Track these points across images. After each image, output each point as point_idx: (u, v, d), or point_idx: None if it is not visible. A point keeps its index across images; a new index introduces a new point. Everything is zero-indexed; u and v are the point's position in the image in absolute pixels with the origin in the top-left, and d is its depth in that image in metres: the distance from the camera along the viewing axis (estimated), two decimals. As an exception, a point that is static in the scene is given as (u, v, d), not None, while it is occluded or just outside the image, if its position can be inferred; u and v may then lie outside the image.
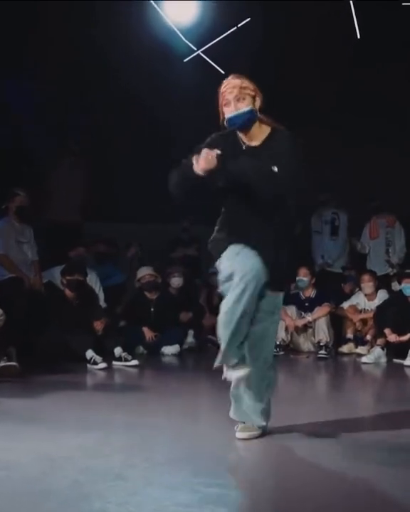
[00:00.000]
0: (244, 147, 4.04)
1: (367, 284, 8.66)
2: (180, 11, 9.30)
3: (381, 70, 10.47)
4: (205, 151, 3.80)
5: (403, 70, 10.46)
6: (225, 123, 4.02)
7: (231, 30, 9.20)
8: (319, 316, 8.47)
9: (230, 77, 4.04)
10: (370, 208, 10.12)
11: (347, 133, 10.91)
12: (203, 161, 3.79)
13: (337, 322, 8.87)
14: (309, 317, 8.49)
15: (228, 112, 3.99)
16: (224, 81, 4.05)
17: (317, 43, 10.48)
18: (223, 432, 4.26)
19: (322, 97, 10.63)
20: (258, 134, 4.05)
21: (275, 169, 3.86)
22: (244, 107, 3.97)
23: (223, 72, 9.70)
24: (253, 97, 4.00)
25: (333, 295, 9.11)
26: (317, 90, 10.65)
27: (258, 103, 4.02)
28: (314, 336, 8.45)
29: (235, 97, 3.96)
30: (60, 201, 9.59)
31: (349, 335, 8.56)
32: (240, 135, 4.06)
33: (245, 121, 3.98)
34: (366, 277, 8.73)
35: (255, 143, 4.05)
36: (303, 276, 8.56)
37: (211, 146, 3.92)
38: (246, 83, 4.00)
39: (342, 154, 10.93)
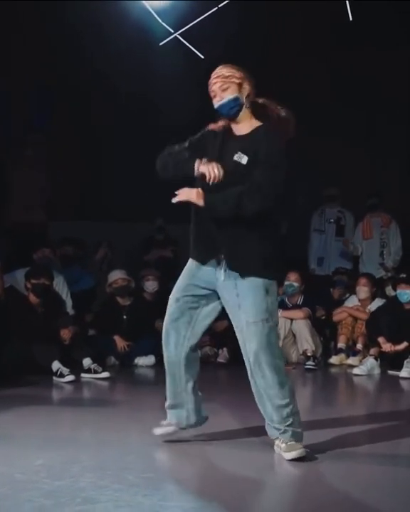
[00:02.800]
0: (232, 137, 4.29)
1: (362, 288, 8.66)
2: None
3: (379, 57, 10.58)
4: (212, 168, 4.08)
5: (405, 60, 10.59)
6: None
7: (211, 11, 9.24)
8: (291, 317, 8.46)
9: (217, 68, 4.30)
10: (366, 205, 10.15)
11: (343, 130, 11.00)
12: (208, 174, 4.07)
13: (330, 330, 8.93)
14: (279, 313, 8.46)
15: (215, 102, 4.28)
16: (212, 73, 4.31)
17: (302, 25, 10.57)
18: (199, 450, 4.29)
19: (310, 83, 10.71)
20: (247, 124, 4.30)
21: (243, 160, 4.15)
22: (228, 95, 4.23)
23: (201, 56, 9.76)
24: (239, 84, 4.25)
25: (322, 300, 9.16)
26: (305, 76, 10.74)
27: (245, 90, 4.27)
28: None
29: (219, 87, 4.25)
30: (21, 198, 9.58)
31: (341, 344, 8.59)
32: (232, 126, 4.32)
33: (231, 109, 4.24)
34: (362, 281, 8.72)
35: (242, 132, 4.30)
36: (294, 281, 8.58)
37: (200, 141, 4.31)
38: (231, 71, 4.26)
39: (341, 148, 11.01)
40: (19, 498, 3.42)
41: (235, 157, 4.19)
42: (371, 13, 9.78)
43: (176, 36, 9.56)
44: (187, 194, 4.21)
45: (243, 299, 4.23)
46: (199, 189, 4.17)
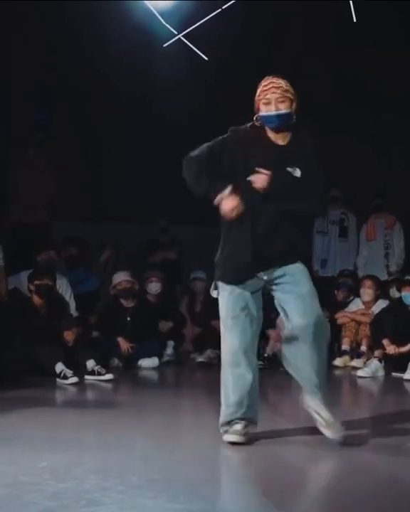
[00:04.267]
0: (273, 146, 4.50)
1: (367, 291, 8.65)
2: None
3: (382, 57, 10.58)
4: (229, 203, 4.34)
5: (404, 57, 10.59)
6: (258, 119, 4.51)
7: (215, 12, 9.25)
8: None
9: (272, 77, 4.52)
10: (371, 206, 10.14)
11: (346, 129, 11.00)
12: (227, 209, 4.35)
13: (333, 332, 8.92)
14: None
15: (267, 109, 4.47)
16: (266, 78, 4.52)
17: (305, 25, 10.58)
18: (204, 452, 4.30)
19: (313, 83, 10.71)
20: (285, 136, 4.55)
21: (296, 173, 4.42)
22: (284, 109, 4.47)
23: (205, 57, 9.77)
24: (292, 101, 4.51)
25: (326, 302, 9.14)
26: (308, 76, 10.74)
27: (295, 108, 4.54)
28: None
29: (277, 98, 4.46)
30: (25, 198, 9.59)
31: (345, 346, 8.58)
32: (270, 134, 4.52)
33: (283, 122, 4.48)
34: (367, 283, 8.71)
35: (281, 142, 4.54)
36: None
37: (226, 144, 4.48)
38: (289, 86, 4.50)
39: (347, 148, 11.01)
40: (23, 500, 3.43)
41: (289, 169, 4.42)
42: (374, 13, 9.79)
43: (179, 38, 9.56)
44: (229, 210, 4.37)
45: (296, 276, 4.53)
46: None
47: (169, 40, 9.67)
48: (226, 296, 4.56)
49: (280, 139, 4.54)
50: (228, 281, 4.54)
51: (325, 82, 10.87)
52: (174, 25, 9.49)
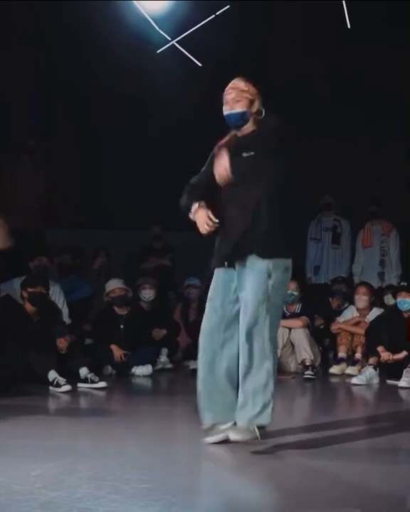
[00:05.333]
0: (234, 141, 4.69)
1: (362, 297, 8.66)
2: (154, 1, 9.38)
3: (381, 61, 10.62)
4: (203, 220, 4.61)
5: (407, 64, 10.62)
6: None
7: (208, 18, 9.29)
8: (290, 326, 8.48)
9: (236, 79, 4.76)
10: (367, 212, 10.15)
11: (342, 130, 11.03)
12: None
13: (329, 339, 8.94)
14: None
15: (225, 110, 4.74)
16: (231, 82, 4.75)
17: (302, 32, 10.62)
18: (198, 461, 4.30)
19: (309, 89, 10.76)
20: (248, 132, 4.72)
21: (250, 154, 4.58)
22: (238, 108, 4.69)
23: (199, 63, 9.81)
24: (251, 101, 4.70)
25: (321, 309, 9.17)
26: (304, 82, 10.79)
27: (255, 107, 4.71)
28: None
29: (233, 98, 4.70)
30: (17, 205, 9.58)
31: (342, 354, 8.59)
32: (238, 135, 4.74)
33: (237, 121, 4.71)
34: (362, 289, 8.73)
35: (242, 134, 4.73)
36: (293, 290, 8.60)
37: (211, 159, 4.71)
38: (247, 86, 4.71)
39: (342, 154, 11.03)
40: (15, 509, 3.43)
41: (244, 155, 4.60)
42: (371, 14, 9.86)
43: (173, 44, 9.59)
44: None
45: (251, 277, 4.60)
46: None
47: (163, 46, 9.71)
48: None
49: (244, 132, 4.73)
50: (212, 265, 4.78)
51: (320, 88, 10.91)
52: (168, 31, 9.53)
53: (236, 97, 4.69)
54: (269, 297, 4.51)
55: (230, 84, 4.75)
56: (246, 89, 4.70)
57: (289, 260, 4.72)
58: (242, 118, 4.69)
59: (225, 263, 4.67)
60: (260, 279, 4.53)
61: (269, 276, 4.54)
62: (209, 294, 4.75)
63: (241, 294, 4.61)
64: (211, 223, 4.59)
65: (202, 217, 4.63)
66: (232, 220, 4.64)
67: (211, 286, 4.75)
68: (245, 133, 4.74)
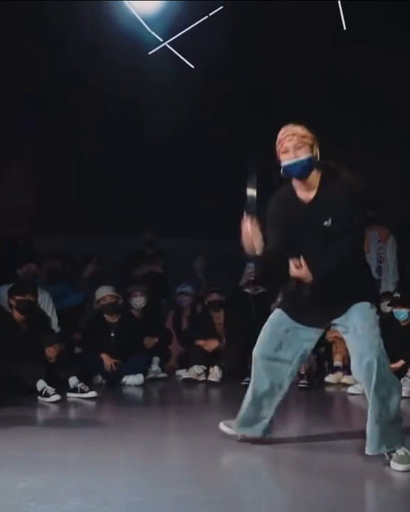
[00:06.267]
0: (301, 206, 4.60)
1: (358, 305, 8.69)
2: (146, 1, 9.40)
3: (376, 61, 10.64)
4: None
5: (402, 65, 10.65)
6: (281, 171, 4.60)
7: (201, 20, 9.32)
8: None
9: (289, 125, 4.60)
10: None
11: (337, 132, 11.03)
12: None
13: (324, 348, 8.94)
14: None
15: (286, 159, 4.57)
16: (283, 128, 4.60)
17: (295, 33, 10.65)
18: (189, 473, 4.30)
19: (304, 93, 10.79)
20: (313, 181, 4.60)
21: (327, 223, 4.47)
22: (303, 155, 4.54)
23: (191, 65, 9.83)
24: (312, 146, 4.56)
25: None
26: (298, 82, 10.81)
27: (316, 152, 4.58)
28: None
29: (294, 145, 4.55)
30: (5, 210, 9.59)
31: (338, 363, 8.59)
32: (296, 185, 4.61)
33: (303, 170, 4.56)
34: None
35: (310, 195, 4.59)
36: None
37: (273, 216, 4.67)
38: (305, 132, 4.58)
39: (337, 157, 11.05)
40: (3, 522, 3.43)
41: (325, 224, 4.48)
42: (366, 15, 9.90)
43: (165, 45, 9.62)
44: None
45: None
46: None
47: (155, 48, 9.74)
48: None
49: (309, 189, 4.60)
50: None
51: (314, 90, 10.94)
52: (161, 32, 9.55)
53: (297, 144, 4.55)
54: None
55: (287, 131, 4.60)
56: (305, 134, 4.59)
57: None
58: (308, 166, 4.55)
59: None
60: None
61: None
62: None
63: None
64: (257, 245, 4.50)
65: (250, 234, 4.52)
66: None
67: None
68: (311, 187, 4.60)
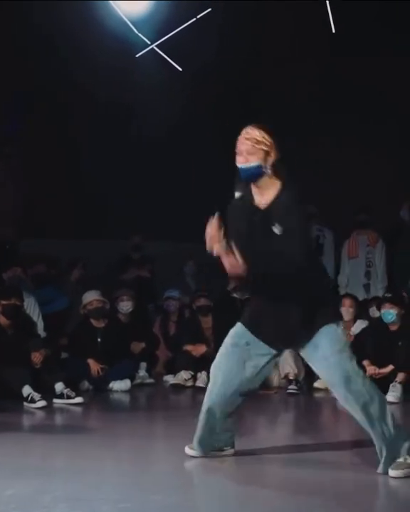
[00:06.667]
0: (254, 210, 4.55)
1: (347, 310, 8.68)
2: (134, 2, 9.42)
3: (366, 64, 10.67)
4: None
5: (393, 66, 10.67)
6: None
7: (190, 22, 9.34)
8: None
9: (250, 127, 4.53)
10: (354, 221, 10.17)
11: (330, 137, 11.06)
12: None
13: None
14: None
15: (238, 162, 4.55)
16: (244, 129, 4.54)
17: (290, 33, 10.67)
18: (177, 479, 4.30)
19: (293, 95, 10.80)
20: (269, 189, 4.55)
21: (276, 230, 4.41)
22: (253, 161, 4.49)
23: (179, 68, 9.84)
24: (267, 153, 4.50)
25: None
26: (286, 87, 10.83)
27: (270, 159, 4.51)
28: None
29: (247, 149, 4.50)
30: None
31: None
32: (253, 189, 4.58)
33: (251, 176, 4.54)
34: (346, 302, 8.74)
35: (264, 201, 4.55)
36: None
37: (232, 217, 4.60)
38: (263, 137, 4.49)
39: (326, 161, 11.07)
40: (-12, 530, 3.42)
41: (275, 230, 4.43)
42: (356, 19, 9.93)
43: (153, 47, 9.63)
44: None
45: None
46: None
47: (143, 50, 9.75)
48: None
49: (264, 195, 4.56)
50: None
51: (305, 91, 10.96)
52: (148, 34, 9.56)
53: (250, 149, 4.48)
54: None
55: (245, 133, 4.53)
56: (262, 139, 4.50)
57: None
58: (257, 172, 4.50)
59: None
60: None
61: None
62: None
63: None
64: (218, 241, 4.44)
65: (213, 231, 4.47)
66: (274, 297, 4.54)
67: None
68: (266, 191, 4.55)
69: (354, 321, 8.70)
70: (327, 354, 4.50)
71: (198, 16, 9.57)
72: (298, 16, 10.26)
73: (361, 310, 8.95)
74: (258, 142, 4.48)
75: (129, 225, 10.57)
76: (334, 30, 9.47)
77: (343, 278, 10.18)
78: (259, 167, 4.49)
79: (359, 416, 4.58)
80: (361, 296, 9.61)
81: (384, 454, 4.50)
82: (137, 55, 9.72)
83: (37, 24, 9.76)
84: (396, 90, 10.77)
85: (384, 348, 7.89)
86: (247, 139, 4.49)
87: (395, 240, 10.16)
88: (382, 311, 8.06)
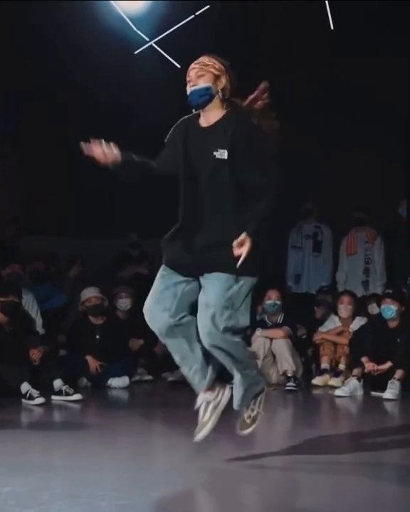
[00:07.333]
0: (198, 131, 4.38)
1: (346, 307, 8.68)
2: (132, 0, 9.41)
3: (365, 64, 10.66)
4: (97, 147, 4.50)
5: (390, 66, 10.66)
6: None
7: (188, 18, 9.33)
8: (271, 336, 8.50)
9: (201, 56, 4.40)
10: (352, 219, 10.17)
11: (327, 135, 11.05)
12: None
13: (312, 350, 8.95)
14: (258, 332, 8.53)
15: (188, 88, 4.37)
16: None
17: (287, 33, 10.66)
18: (177, 477, 4.29)
19: (295, 95, 10.79)
20: (215, 116, 4.39)
21: (218, 154, 4.22)
22: (202, 83, 4.33)
23: (178, 65, 9.83)
24: (217, 76, 4.34)
25: (303, 319, 9.19)
26: (286, 83, 10.80)
27: (221, 83, 4.35)
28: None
29: (196, 73, 4.35)
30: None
31: (325, 365, 8.60)
32: (201, 115, 4.40)
33: (200, 97, 4.34)
34: (345, 299, 8.75)
35: (205, 124, 4.39)
36: (275, 300, 8.63)
37: (171, 138, 4.46)
38: (213, 61, 4.35)
39: (323, 159, 11.07)
40: (-14, 527, 3.41)
41: (217, 155, 4.25)
42: (354, 19, 9.92)
43: (152, 44, 9.62)
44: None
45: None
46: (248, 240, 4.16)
47: (141, 47, 9.74)
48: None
49: (209, 119, 4.40)
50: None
51: (303, 90, 10.95)
52: (147, 32, 9.54)
53: (199, 72, 4.33)
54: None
55: (194, 62, 4.40)
56: (211, 63, 4.34)
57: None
58: (205, 93, 4.31)
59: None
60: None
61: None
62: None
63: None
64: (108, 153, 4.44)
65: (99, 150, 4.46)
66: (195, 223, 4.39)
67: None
68: (212, 121, 4.37)
69: (353, 318, 8.70)
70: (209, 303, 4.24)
71: (197, 13, 9.55)
72: (296, 15, 10.24)
73: (359, 307, 8.96)
74: (206, 65, 4.35)
75: (129, 223, 10.57)
76: (332, 28, 9.44)
77: (341, 275, 10.19)
78: (208, 88, 4.32)
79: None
80: (359, 293, 9.62)
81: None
82: (135, 52, 9.70)
83: (36, 23, 9.74)
84: (394, 90, 10.77)
85: (382, 345, 7.89)
86: (196, 64, 4.38)
87: (393, 237, 10.17)
88: (382, 306, 8.05)
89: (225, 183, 4.28)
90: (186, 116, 4.52)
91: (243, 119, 4.35)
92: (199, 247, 4.35)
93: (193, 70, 4.36)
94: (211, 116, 4.40)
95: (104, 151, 4.50)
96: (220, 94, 4.35)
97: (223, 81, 4.36)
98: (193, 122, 4.45)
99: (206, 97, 4.33)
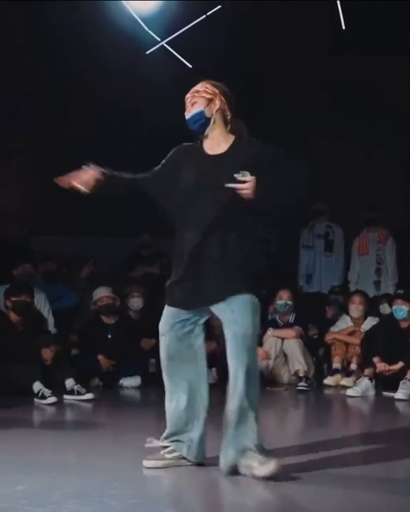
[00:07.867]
0: (205, 157, 4.37)
1: (357, 307, 8.68)
2: (144, 1, 9.42)
3: (375, 64, 10.65)
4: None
5: (398, 66, 10.65)
6: None
7: (199, 18, 9.33)
8: (283, 336, 8.50)
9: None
10: (364, 219, 10.16)
11: (338, 135, 11.04)
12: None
13: (323, 350, 8.94)
14: (270, 332, 8.53)
15: (186, 116, 4.45)
16: None
17: (297, 33, 10.66)
18: (187, 476, 4.30)
19: (303, 92, 10.78)
20: (222, 142, 4.39)
21: (240, 176, 4.15)
22: (195, 109, 4.40)
23: (189, 65, 9.83)
24: (209, 100, 4.39)
25: (315, 319, 9.18)
26: (297, 84, 10.81)
27: (215, 106, 4.39)
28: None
29: (190, 101, 4.45)
30: (1, 211, 9.58)
31: (336, 365, 8.59)
32: (204, 144, 4.40)
33: (195, 123, 4.40)
34: (356, 299, 8.74)
35: (217, 151, 4.38)
36: (287, 300, 8.64)
37: (170, 160, 4.48)
38: (205, 87, 4.42)
39: (334, 158, 11.06)
40: (-2, 525, 3.42)
41: (238, 177, 4.16)
42: (365, 20, 9.90)
43: (163, 44, 9.62)
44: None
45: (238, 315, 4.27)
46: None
47: (153, 47, 9.74)
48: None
49: (218, 149, 4.38)
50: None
51: (313, 89, 10.94)
52: (158, 32, 9.55)
53: (192, 99, 4.41)
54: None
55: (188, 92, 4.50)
56: (203, 89, 4.41)
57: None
58: (199, 118, 4.36)
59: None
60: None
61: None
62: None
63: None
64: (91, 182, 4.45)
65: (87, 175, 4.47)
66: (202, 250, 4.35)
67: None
68: (216, 147, 4.37)
69: (365, 318, 8.69)
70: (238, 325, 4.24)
71: (208, 14, 9.55)
72: (304, 15, 10.24)
73: (371, 307, 8.95)
74: (197, 92, 4.42)
75: (140, 223, 10.57)
76: (344, 27, 9.43)
77: (353, 275, 10.17)
78: (201, 113, 4.36)
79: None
80: (371, 293, 9.60)
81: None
82: (147, 52, 9.71)
83: (48, 24, 9.76)
84: (402, 90, 10.77)
85: (394, 345, 7.88)
86: (189, 94, 4.46)
87: (405, 237, 10.16)
88: (394, 306, 8.06)
89: (240, 209, 4.24)
90: (185, 144, 4.53)
91: (254, 141, 4.38)
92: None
93: (187, 100, 4.46)
94: (215, 142, 4.41)
95: (82, 178, 4.59)
96: (216, 115, 4.39)
97: (217, 103, 4.40)
98: (198, 151, 4.43)
99: (202, 121, 4.38)
